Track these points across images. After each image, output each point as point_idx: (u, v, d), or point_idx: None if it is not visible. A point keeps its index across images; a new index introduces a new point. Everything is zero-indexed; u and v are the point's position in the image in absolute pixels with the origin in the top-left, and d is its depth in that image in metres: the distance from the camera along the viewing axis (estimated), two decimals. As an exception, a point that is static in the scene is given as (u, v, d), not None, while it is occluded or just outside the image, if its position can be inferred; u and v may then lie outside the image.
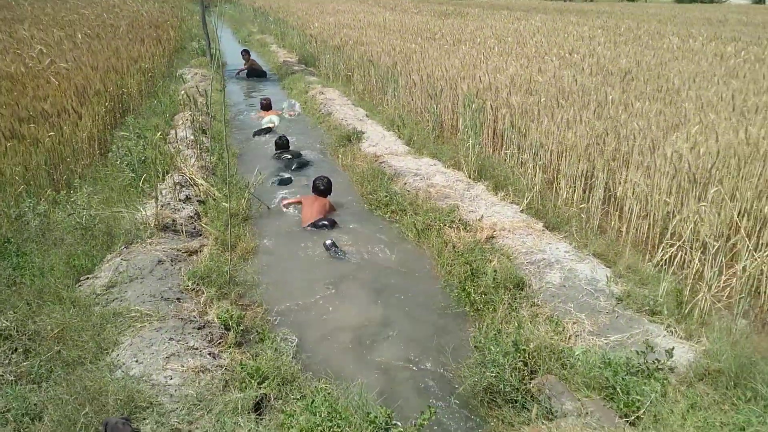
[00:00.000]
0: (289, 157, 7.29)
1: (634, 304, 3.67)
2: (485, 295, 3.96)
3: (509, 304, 3.81)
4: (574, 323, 3.60)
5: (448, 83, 7.86)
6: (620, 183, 4.84)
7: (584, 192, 5.23)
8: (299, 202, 5.78)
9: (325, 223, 5.38)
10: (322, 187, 5.69)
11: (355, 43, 11.96)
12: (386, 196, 5.76)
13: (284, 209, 5.82)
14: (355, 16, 17.75)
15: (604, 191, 5.03)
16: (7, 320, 3.29)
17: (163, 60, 11.83)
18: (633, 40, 11.65)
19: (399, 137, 7.69)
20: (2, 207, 4.61)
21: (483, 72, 7.78)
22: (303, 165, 7.21)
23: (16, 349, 3.16)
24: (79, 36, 9.70)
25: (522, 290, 4.00)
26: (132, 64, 8.92)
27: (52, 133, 5.62)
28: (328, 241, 4.95)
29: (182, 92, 8.31)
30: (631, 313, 3.63)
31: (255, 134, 8.46)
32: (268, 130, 8.46)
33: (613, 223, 4.83)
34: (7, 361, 3.07)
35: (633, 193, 4.67)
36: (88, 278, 4.00)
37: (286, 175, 6.80)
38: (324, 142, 8.08)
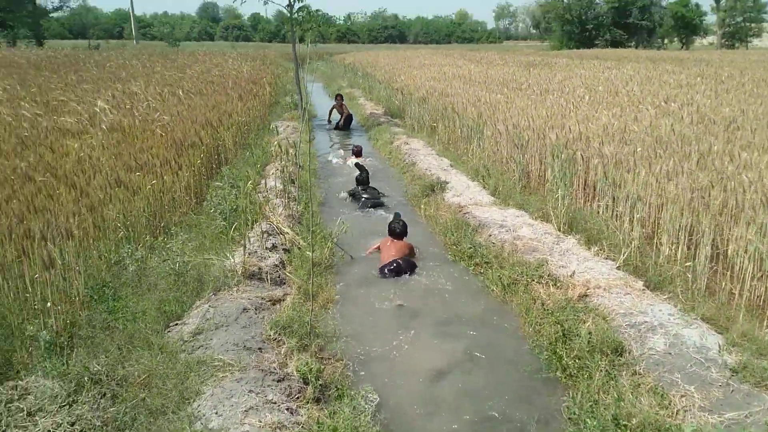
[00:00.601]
0: (365, 196, 7.66)
1: (752, 377, 3.25)
2: (579, 359, 3.66)
3: (607, 371, 3.50)
4: (682, 396, 3.23)
5: (535, 133, 7.69)
6: (730, 240, 4.42)
7: (689, 249, 4.82)
8: (378, 248, 5.83)
9: (400, 266, 5.41)
10: (398, 230, 5.79)
11: (440, 94, 12.08)
12: (470, 248, 5.60)
13: (368, 255, 5.91)
14: (440, 70, 18.05)
15: (712, 248, 4.61)
16: (98, 364, 3.40)
17: (259, 113, 12.47)
18: (736, 88, 10.97)
19: (484, 187, 7.55)
20: (103, 252, 4.88)
21: (573, 121, 7.55)
22: (378, 206, 7.56)
23: (104, 394, 3.24)
24: (181, 92, 10.42)
25: (621, 356, 3.67)
26: (227, 118, 9.42)
27: (154, 182, 5.97)
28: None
29: (274, 143, 8.64)
30: (748, 387, 3.21)
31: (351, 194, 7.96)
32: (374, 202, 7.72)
33: (723, 283, 4.39)
34: (96, 406, 3.14)
35: (746, 251, 4.24)
36: (177, 324, 4.09)
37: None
38: (407, 191, 8.07)
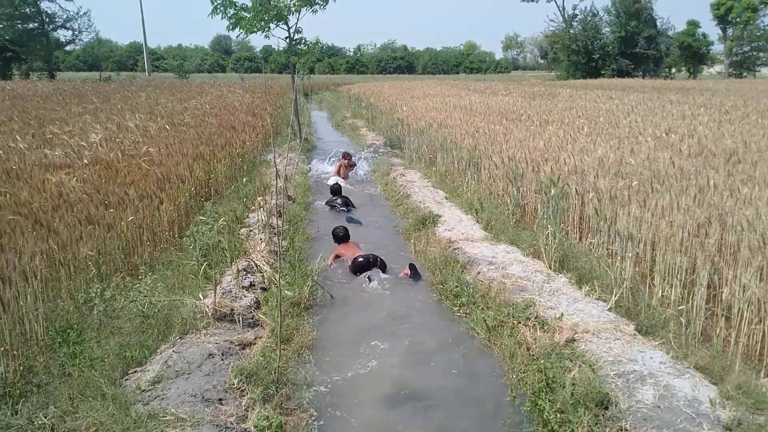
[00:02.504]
0: (339, 203, 9.01)
1: (747, 436, 2.98)
2: (561, 413, 3.39)
3: (590, 427, 3.23)
4: (671, 458, 2.95)
5: (529, 165, 7.49)
6: (727, 282, 4.16)
7: (684, 290, 4.55)
8: (338, 255, 6.49)
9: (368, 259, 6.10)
10: (341, 234, 6.73)
11: (440, 125, 11.97)
12: (456, 287, 5.36)
13: (330, 266, 6.35)
14: (442, 100, 18.01)
15: (708, 289, 4.35)
16: (45, 417, 3.19)
17: (256, 145, 12.40)
18: (740, 119, 10.77)
19: (477, 221, 7.34)
20: (73, 291, 4.70)
21: (568, 154, 7.36)
22: (348, 205, 9.02)
23: (47, 451, 3.02)
24: (175, 125, 10.38)
25: (607, 409, 3.39)
26: (219, 151, 9.33)
27: (132, 217, 5.81)
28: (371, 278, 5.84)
29: (265, 177, 8.52)
30: (744, 447, 2.94)
31: (328, 203, 9.25)
32: (344, 204, 9.12)
33: (719, 329, 4.11)
34: (35, 464, 2.92)
35: (743, 294, 3.98)
36: (137, 371, 3.88)
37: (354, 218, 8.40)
38: (399, 225, 7.87)
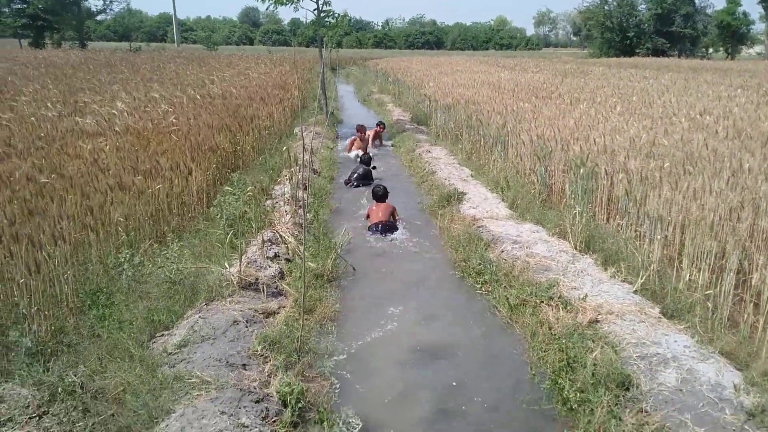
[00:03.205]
0: (357, 173, 9.00)
1: (772, 423, 2.94)
2: (581, 392, 3.39)
3: (609, 407, 3.21)
4: (691, 440, 2.93)
5: (559, 144, 7.37)
6: (757, 268, 4.07)
7: (712, 274, 4.47)
8: (368, 214, 6.93)
9: (385, 226, 6.57)
10: (380, 193, 7.00)
11: (467, 102, 11.82)
12: (479, 264, 5.35)
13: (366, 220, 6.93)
14: (471, 76, 17.75)
15: (737, 275, 4.26)
16: (74, 375, 3.29)
17: (283, 118, 12.42)
18: (779, 101, 10.40)
19: (502, 200, 7.27)
20: (103, 256, 4.81)
21: (599, 133, 7.21)
22: (366, 176, 8.95)
23: (76, 407, 3.12)
24: (204, 96, 10.43)
25: (628, 390, 3.38)
26: (247, 123, 9.37)
27: (160, 185, 5.90)
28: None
29: (292, 149, 8.55)
30: (766, 434, 2.90)
31: (347, 183, 9.05)
32: (365, 176, 9.07)
33: (747, 315, 4.03)
34: (65, 419, 3.02)
35: (774, 280, 3.89)
36: (164, 335, 3.97)
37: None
38: (423, 201, 7.84)
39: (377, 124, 12.47)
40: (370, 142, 11.48)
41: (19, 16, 44.46)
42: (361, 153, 10.70)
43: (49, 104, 8.89)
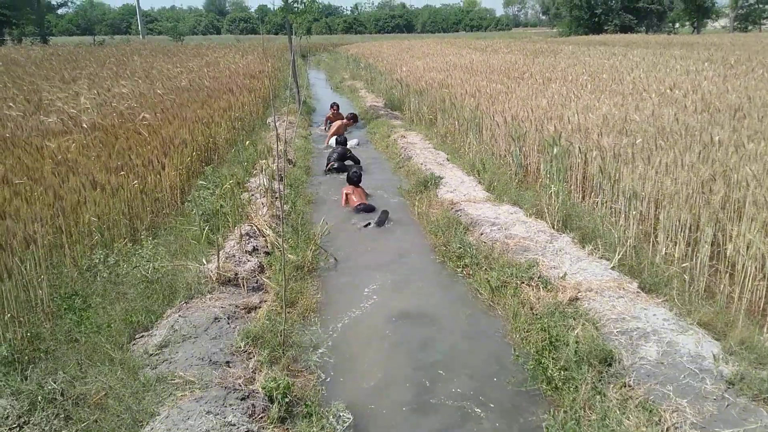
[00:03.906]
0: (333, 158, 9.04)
1: (749, 389, 3.00)
2: (565, 370, 3.43)
3: (593, 384, 3.26)
4: (673, 412, 2.98)
5: (533, 125, 7.40)
6: (731, 238, 4.15)
7: (688, 247, 4.55)
8: (347, 194, 7.27)
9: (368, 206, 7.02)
10: (356, 179, 7.37)
11: (440, 85, 11.80)
12: (459, 248, 5.36)
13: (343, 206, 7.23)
14: (443, 59, 17.72)
15: (712, 246, 4.34)
16: (54, 382, 3.22)
17: (255, 108, 12.25)
18: (744, 74, 10.57)
19: (479, 183, 7.29)
20: (77, 258, 4.70)
21: (572, 112, 7.26)
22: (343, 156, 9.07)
23: (58, 414, 3.06)
24: (171, 90, 10.22)
25: (611, 366, 3.43)
26: (219, 115, 9.21)
27: (135, 182, 5.77)
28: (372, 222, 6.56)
29: (265, 140, 8.44)
30: (745, 401, 2.97)
31: (326, 172, 9.00)
32: (342, 158, 9.14)
33: (722, 285, 4.12)
34: (47, 428, 2.96)
35: (747, 250, 3.97)
36: (143, 336, 3.91)
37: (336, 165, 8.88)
38: (401, 187, 7.83)
39: (347, 117, 12.13)
40: (339, 131, 11.20)
41: (-24, 13, 43.01)
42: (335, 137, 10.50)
43: (11, 104, 8.63)
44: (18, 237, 4.10)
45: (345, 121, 11.79)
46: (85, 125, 6.96)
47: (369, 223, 6.59)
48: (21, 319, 3.86)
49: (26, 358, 3.57)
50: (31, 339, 3.73)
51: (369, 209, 6.99)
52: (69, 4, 51.21)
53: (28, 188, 4.99)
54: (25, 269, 4.01)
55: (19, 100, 9.07)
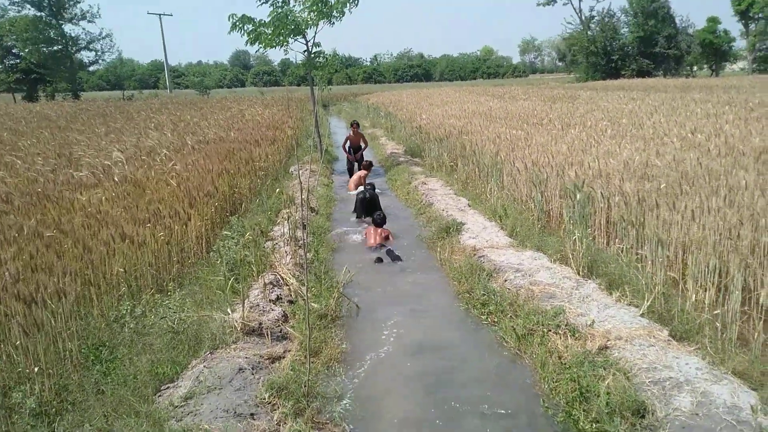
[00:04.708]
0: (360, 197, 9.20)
1: (792, 443, 2.89)
2: (597, 423, 3.33)
3: (627, 437, 3.16)
4: (712, 467, 2.87)
5: (554, 170, 7.43)
6: (763, 284, 4.06)
7: (718, 293, 4.45)
8: (366, 234, 7.76)
9: (384, 248, 7.36)
10: (378, 221, 7.84)
11: (459, 132, 11.96)
12: (483, 295, 5.32)
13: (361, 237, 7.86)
14: (461, 106, 17.99)
15: (743, 292, 4.24)
16: (80, 435, 3.23)
17: (278, 158, 12.51)
18: (767, 116, 10.53)
19: (501, 228, 7.28)
20: (104, 309, 4.76)
21: (592, 157, 7.28)
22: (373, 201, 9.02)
23: (83, 469, 3.05)
24: (199, 141, 10.51)
25: (643, 418, 3.33)
26: (244, 165, 9.42)
27: (162, 234, 5.89)
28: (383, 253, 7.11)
29: (278, 190, 8.58)
30: (789, 455, 2.85)
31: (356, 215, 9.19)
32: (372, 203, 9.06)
33: (756, 333, 4.00)
34: (73, 482, 2.95)
35: (781, 296, 3.88)
36: (169, 387, 3.91)
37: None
38: (421, 233, 7.84)
39: (363, 165, 12.09)
40: (357, 183, 11.35)
41: (13, 71, 45.14)
42: (360, 188, 10.64)
43: (42, 159, 8.94)
44: (49, 290, 4.19)
45: (363, 172, 11.74)
46: (115, 178, 7.17)
47: (380, 259, 6.99)
48: (50, 371, 3.90)
49: (54, 410, 3.59)
50: (58, 391, 3.76)
51: (376, 252, 7.29)
52: (100, 62, 53.51)
53: (59, 241, 5.13)
54: (55, 321, 4.07)
55: (50, 155, 9.40)
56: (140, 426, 3.31)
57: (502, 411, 3.81)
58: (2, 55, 45.87)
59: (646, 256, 5.23)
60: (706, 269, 4.56)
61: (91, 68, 57.44)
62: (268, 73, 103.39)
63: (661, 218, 5.08)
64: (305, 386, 3.82)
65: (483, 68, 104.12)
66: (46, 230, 5.25)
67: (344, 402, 3.92)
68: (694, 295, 4.56)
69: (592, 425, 3.32)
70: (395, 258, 6.99)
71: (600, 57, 54.36)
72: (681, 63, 56.26)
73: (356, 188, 11.06)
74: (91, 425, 3.34)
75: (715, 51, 57.76)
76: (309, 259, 6.53)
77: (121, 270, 5.08)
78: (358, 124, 13.67)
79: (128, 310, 4.62)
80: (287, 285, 5.52)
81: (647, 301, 4.55)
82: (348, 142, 13.01)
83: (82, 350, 4.14)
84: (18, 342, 3.80)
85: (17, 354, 3.86)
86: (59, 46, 47.70)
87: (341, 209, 9.91)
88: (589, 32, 55.79)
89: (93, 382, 3.83)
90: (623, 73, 52.75)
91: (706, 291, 4.52)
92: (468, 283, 5.70)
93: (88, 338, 4.28)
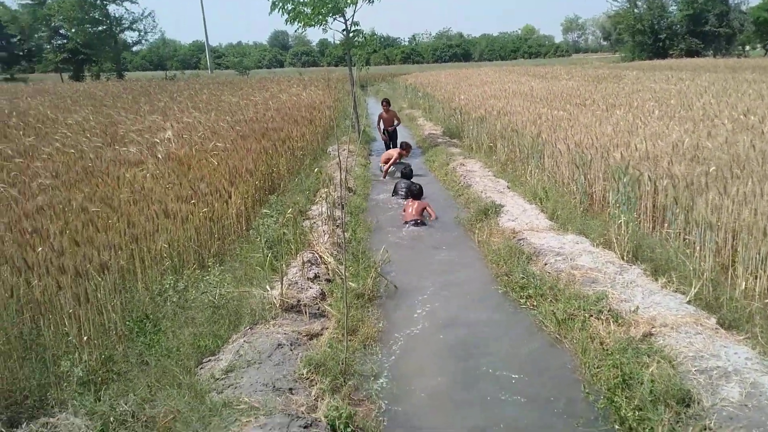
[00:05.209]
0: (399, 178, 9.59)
1: None
2: (639, 410, 3.25)
3: (671, 425, 3.07)
4: (762, 460, 2.77)
5: (598, 152, 7.21)
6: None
7: (771, 281, 4.27)
8: (404, 209, 7.86)
9: (417, 222, 7.50)
10: (416, 191, 8.08)
11: (499, 113, 11.73)
12: (522, 278, 5.24)
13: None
14: (501, 86, 17.66)
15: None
16: (125, 404, 3.33)
17: (316, 138, 12.54)
18: (827, 97, 10.00)
19: (541, 211, 7.14)
20: (149, 283, 4.88)
21: (639, 139, 7.04)
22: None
23: (128, 436, 3.15)
24: (238, 121, 10.62)
25: (689, 407, 3.23)
26: (281, 145, 9.47)
27: (205, 209, 5.98)
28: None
29: (316, 170, 8.61)
30: None
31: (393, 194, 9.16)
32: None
33: (812, 324, 3.84)
34: (118, 449, 3.05)
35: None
36: (210, 360, 3.99)
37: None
38: (460, 216, 7.77)
39: (401, 146, 11.79)
40: (393, 162, 11.22)
41: (60, 51, 46.38)
42: (398, 168, 10.51)
43: (90, 135, 9.17)
44: (94, 263, 4.31)
45: (399, 150, 11.58)
46: (159, 155, 7.30)
47: (408, 224, 7.42)
48: (96, 341, 4.03)
49: (100, 379, 3.71)
50: (104, 361, 3.88)
51: (419, 225, 7.47)
52: (143, 42, 54.50)
53: (106, 216, 5.26)
54: (100, 294, 4.19)
55: (97, 133, 9.64)
56: (182, 397, 3.39)
57: (541, 395, 3.76)
58: (50, 35, 47.17)
59: (694, 242, 5.05)
60: (758, 256, 4.37)
61: (134, 48, 58.62)
62: (307, 53, 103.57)
63: (712, 202, 4.88)
64: (342, 364, 3.84)
65: (524, 48, 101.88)
66: (91, 205, 5.40)
67: (381, 380, 3.94)
68: (744, 283, 4.39)
69: (634, 413, 3.24)
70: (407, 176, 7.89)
71: (647, 36, 52.49)
72: (732, 42, 53.88)
73: (386, 163, 11.09)
74: (135, 395, 3.44)
75: (770, 29, 55.03)
76: (346, 238, 6.55)
77: (165, 245, 5.19)
78: (389, 102, 13.25)
79: (171, 285, 4.71)
80: (325, 264, 5.55)
81: (694, 288, 4.40)
82: (381, 121, 12.94)
83: (127, 322, 4.26)
84: (71, 310, 3.92)
85: (66, 325, 3.98)
86: (104, 27, 48.74)
87: (379, 190, 9.88)
88: (635, 10, 53.83)
89: (137, 354, 3.94)
90: (671, 52, 50.87)
91: (757, 279, 4.35)
92: (507, 266, 5.63)
93: (133, 311, 4.40)
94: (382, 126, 12.93)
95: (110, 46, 48.56)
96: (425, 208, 7.80)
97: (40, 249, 4.30)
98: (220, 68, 74.37)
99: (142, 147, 8.13)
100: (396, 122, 13.12)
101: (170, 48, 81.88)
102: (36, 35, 47.96)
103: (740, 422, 3.01)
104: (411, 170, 9.84)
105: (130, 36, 53.18)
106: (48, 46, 47.89)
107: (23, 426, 3.16)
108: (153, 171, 6.77)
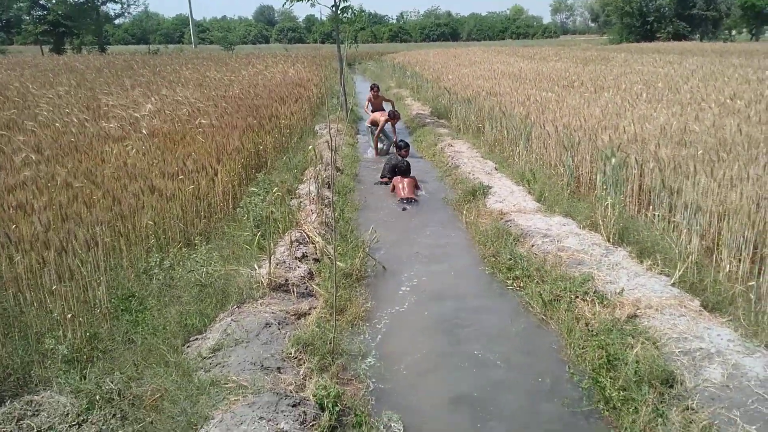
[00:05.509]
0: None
1: (827, 418, 2.83)
2: (624, 390, 3.30)
3: (654, 405, 3.13)
4: (741, 439, 2.83)
5: (586, 134, 7.23)
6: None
7: (753, 264, 4.33)
8: (394, 186, 7.94)
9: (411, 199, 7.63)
10: (404, 168, 8.12)
11: (488, 93, 11.69)
12: (509, 259, 5.26)
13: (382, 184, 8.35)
14: (490, 67, 17.57)
15: (780, 264, 4.12)
16: (111, 382, 3.30)
17: (303, 116, 12.40)
18: (812, 81, 10.09)
19: (529, 192, 7.16)
20: (134, 260, 4.82)
21: (627, 121, 7.06)
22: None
23: (115, 414, 3.13)
24: (222, 97, 10.46)
25: (672, 387, 3.29)
26: (267, 122, 9.36)
27: (192, 186, 5.90)
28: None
29: (310, 147, 8.53)
30: (823, 431, 2.79)
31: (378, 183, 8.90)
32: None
33: (793, 306, 3.91)
34: (104, 427, 3.03)
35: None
36: (197, 339, 3.97)
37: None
38: (448, 197, 7.76)
39: (389, 114, 10.89)
40: (380, 129, 10.86)
41: (40, 22, 45.17)
42: (392, 146, 10.17)
43: (72, 110, 8.98)
44: (79, 239, 4.24)
45: (388, 119, 10.89)
46: (144, 131, 7.17)
47: (405, 208, 7.38)
48: (80, 319, 3.98)
49: (85, 357, 3.67)
50: (89, 339, 3.83)
51: (412, 203, 7.54)
52: (126, 14, 53.22)
53: (89, 192, 5.17)
54: (86, 271, 4.13)
55: (79, 107, 9.44)
56: (169, 375, 3.37)
57: (528, 375, 3.80)
58: (29, 6, 45.86)
59: (679, 225, 5.10)
60: (742, 239, 4.43)
61: (116, 21, 57.21)
62: (293, 29, 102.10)
63: (700, 185, 4.92)
64: (330, 343, 3.84)
65: (512, 28, 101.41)
66: (75, 181, 5.30)
67: (368, 359, 3.95)
68: (728, 266, 4.45)
69: (618, 393, 3.29)
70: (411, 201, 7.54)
71: (635, 18, 52.49)
72: (719, 26, 54.09)
73: (373, 125, 11.07)
74: (121, 373, 3.41)
75: (756, 14, 55.18)
76: (335, 218, 6.52)
77: (150, 222, 5.12)
78: (378, 88, 12.12)
79: (157, 263, 4.66)
80: (313, 243, 5.52)
81: (679, 270, 4.45)
82: (369, 105, 12.06)
83: (112, 300, 4.21)
84: (54, 287, 3.86)
85: (51, 301, 3.93)
86: (85, -2, 47.47)
87: (366, 169, 9.83)
88: (624, -9, 53.71)
89: (123, 332, 3.90)
90: (658, 35, 50.95)
91: (740, 262, 4.41)
92: (494, 247, 5.65)
93: (118, 288, 4.35)
94: (370, 108, 12.19)
95: (92, 18, 47.33)
96: (416, 184, 7.96)
97: (23, 224, 4.22)
98: (204, 43, 73.09)
99: (125, 123, 7.98)
100: (393, 113, 11.22)
101: (153, 21, 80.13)
102: (15, 5, 46.60)
103: (722, 402, 3.06)
104: (407, 143, 9.15)
105: (112, 8, 51.98)
106: (27, 17, 46.58)
107: (6, 404, 3.12)
108: (137, 146, 6.65)
